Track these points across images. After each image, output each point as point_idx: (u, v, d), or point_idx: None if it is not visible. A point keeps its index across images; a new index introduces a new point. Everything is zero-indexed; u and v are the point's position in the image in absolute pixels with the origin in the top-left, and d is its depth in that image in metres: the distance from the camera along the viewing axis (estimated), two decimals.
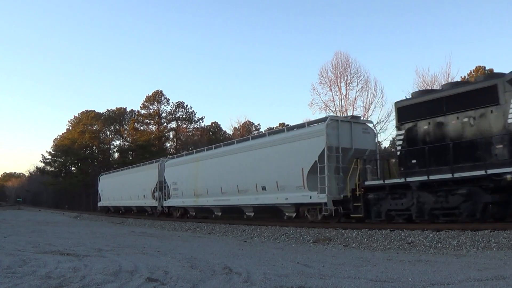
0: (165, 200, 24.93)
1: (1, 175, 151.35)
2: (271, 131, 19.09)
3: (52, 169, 75.74)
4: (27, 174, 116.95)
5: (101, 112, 73.75)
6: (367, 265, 6.75)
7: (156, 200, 25.97)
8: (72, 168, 74.97)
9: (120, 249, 9.58)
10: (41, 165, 79.17)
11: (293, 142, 15.56)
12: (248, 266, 6.60)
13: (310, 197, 14.25)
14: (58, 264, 6.91)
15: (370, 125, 16.34)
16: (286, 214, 16.10)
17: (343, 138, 14.36)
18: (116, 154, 71.99)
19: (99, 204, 39.17)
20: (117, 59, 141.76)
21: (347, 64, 32.77)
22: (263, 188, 16.58)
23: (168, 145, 65.95)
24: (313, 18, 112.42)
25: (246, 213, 18.47)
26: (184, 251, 9.32)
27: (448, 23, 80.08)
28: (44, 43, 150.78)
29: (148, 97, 64.26)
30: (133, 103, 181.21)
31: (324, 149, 13.85)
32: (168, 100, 64.49)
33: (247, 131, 61.12)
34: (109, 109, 74.88)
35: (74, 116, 78.12)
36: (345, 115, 26.09)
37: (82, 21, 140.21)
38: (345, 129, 14.58)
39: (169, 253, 8.71)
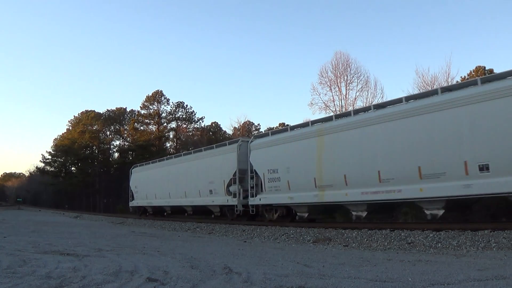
0: (251, 196, 17.84)
1: (1, 175, 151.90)
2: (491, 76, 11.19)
3: (52, 169, 76.08)
4: (27, 174, 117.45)
5: (101, 112, 74.18)
6: (367, 265, 6.74)
7: (234, 197, 18.81)
8: (72, 168, 75.28)
9: (120, 249, 9.57)
10: (41, 165, 79.76)
11: None
12: (248, 266, 6.60)
13: None
14: (58, 264, 6.90)
15: None
16: None
17: None
18: (116, 154, 72.22)
19: (131, 204, 31.29)
20: (117, 59, 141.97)
21: (347, 64, 32.86)
22: (483, 168, 10.18)
23: (168, 145, 66.10)
24: (313, 18, 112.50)
25: (428, 212, 11.79)
26: (184, 251, 9.31)
27: (448, 23, 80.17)
28: (44, 44, 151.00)
29: (148, 97, 64.42)
30: (133, 103, 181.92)
31: None
32: (168, 100, 64.74)
33: (247, 131, 61.13)
34: (109, 109, 75.39)
35: (74, 116, 78.57)
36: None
37: (82, 22, 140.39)
38: None
39: (169, 253, 8.71)
